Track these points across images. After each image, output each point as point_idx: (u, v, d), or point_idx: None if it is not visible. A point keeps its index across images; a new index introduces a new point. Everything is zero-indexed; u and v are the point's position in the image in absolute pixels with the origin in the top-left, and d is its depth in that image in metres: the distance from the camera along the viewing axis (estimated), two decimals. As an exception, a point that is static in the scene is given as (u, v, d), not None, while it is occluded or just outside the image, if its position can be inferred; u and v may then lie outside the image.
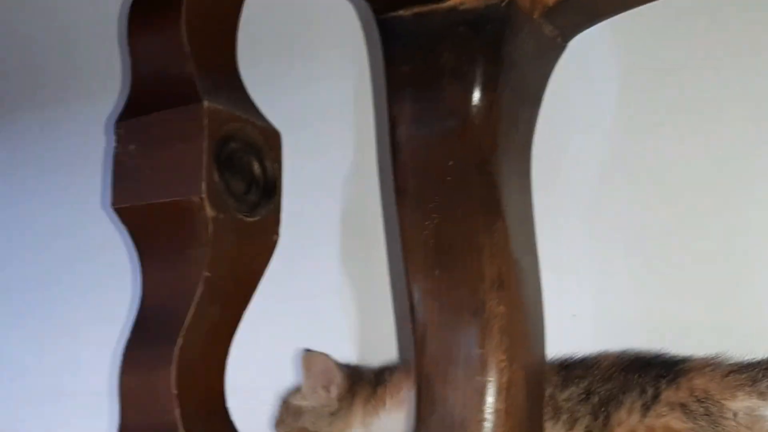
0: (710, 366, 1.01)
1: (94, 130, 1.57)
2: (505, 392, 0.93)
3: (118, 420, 1.20)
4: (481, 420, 0.93)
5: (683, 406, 0.99)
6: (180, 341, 1.20)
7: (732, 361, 1.02)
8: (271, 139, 1.37)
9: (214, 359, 1.26)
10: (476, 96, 1.02)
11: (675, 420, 0.99)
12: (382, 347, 1.31)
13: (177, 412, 1.16)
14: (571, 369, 1.10)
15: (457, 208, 1.00)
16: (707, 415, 0.98)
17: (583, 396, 1.05)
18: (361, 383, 1.24)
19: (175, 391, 1.17)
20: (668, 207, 1.25)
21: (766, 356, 1.00)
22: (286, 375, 1.40)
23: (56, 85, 1.67)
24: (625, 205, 1.27)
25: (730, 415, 0.97)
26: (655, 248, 1.25)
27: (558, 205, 1.25)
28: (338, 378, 1.24)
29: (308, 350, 1.26)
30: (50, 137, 1.67)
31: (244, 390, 1.31)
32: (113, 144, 1.30)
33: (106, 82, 1.56)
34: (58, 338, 1.62)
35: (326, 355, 1.25)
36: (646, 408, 1.01)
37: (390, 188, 1.07)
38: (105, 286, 1.58)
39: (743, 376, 0.99)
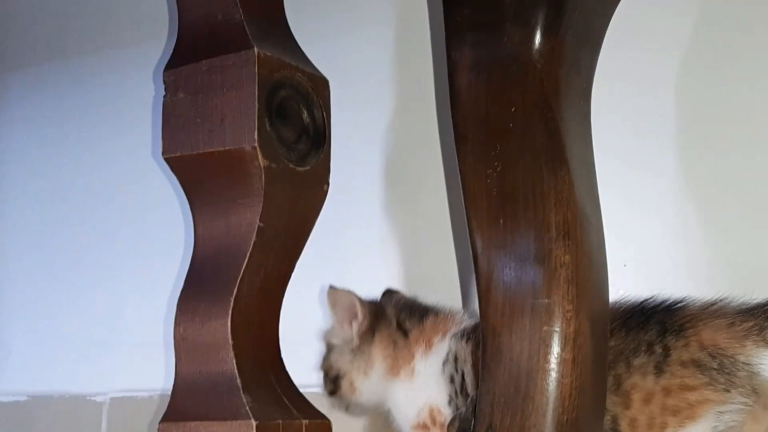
0: (713, 315, 1.00)
1: (143, 79, 1.56)
2: (572, 342, 0.92)
3: (175, 370, 1.20)
4: (549, 370, 0.91)
5: (696, 362, 0.98)
6: (235, 292, 1.19)
7: (733, 307, 1.01)
8: (320, 86, 1.35)
9: (268, 309, 1.26)
10: (538, 40, 1.00)
11: (690, 378, 0.98)
12: (426, 298, 1.29)
13: (233, 361, 1.16)
14: None
15: (520, 156, 0.98)
16: (721, 368, 0.97)
17: None
18: (384, 321, 1.23)
19: (231, 341, 1.17)
20: (720, 151, 1.22)
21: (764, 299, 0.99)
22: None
23: (103, 33, 1.66)
24: (675, 150, 1.24)
25: (742, 366, 0.97)
26: (707, 194, 1.24)
27: (613, 153, 1.23)
28: (360, 313, 1.23)
29: (332, 287, 1.25)
30: (98, 86, 1.66)
31: (292, 339, 1.31)
32: (162, 92, 1.29)
33: (154, 29, 1.54)
34: (111, 291, 1.61)
35: (350, 292, 1.24)
36: (659, 369, 1.00)
37: (450, 136, 1.04)
38: (156, 237, 1.57)
39: (750, 324, 0.98)
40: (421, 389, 1.17)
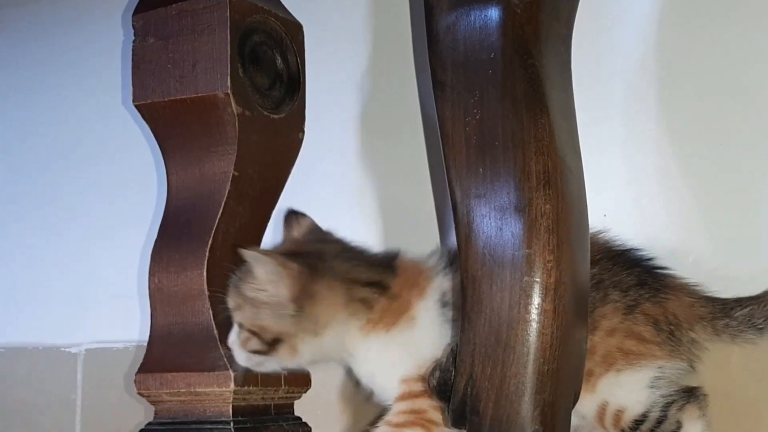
0: (684, 291, 1.09)
1: (111, 23, 1.52)
2: (552, 292, 0.91)
3: (150, 321, 1.19)
4: (529, 320, 0.90)
5: (655, 321, 1.06)
6: (210, 241, 1.18)
7: (704, 294, 1.10)
8: (294, 31, 1.33)
9: (243, 259, 1.24)
10: (518, -17, 0.97)
11: (647, 332, 1.06)
12: (403, 246, 1.27)
13: (209, 312, 1.15)
14: None
15: (499, 103, 0.96)
16: (671, 335, 1.07)
17: None
18: (322, 276, 1.10)
19: (207, 292, 1.16)
20: (706, 107, 1.21)
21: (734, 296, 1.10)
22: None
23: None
24: (660, 103, 1.23)
25: (688, 341, 1.08)
26: (691, 152, 1.23)
27: (592, 102, 1.21)
28: (288, 278, 1.08)
29: (247, 249, 1.09)
30: (62, 32, 1.61)
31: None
32: (131, 37, 1.26)
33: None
34: (84, 241, 1.59)
35: (267, 254, 1.09)
36: (628, 311, 1.06)
37: (427, 83, 1.02)
38: (127, 186, 1.54)
39: (706, 310, 1.08)
40: (423, 341, 1.09)
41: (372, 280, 1.12)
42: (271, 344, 1.09)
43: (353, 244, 1.18)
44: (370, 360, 1.11)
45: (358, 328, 1.10)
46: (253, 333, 1.09)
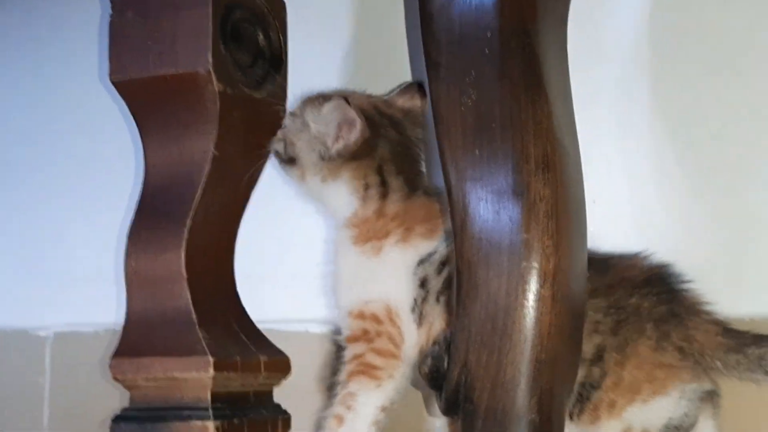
0: (706, 319, 1.08)
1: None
2: (551, 279, 0.88)
3: (126, 304, 1.15)
4: (527, 307, 0.88)
5: (681, 349, 1.05)
6: (189, 223, 1.14)
7: (722, 321, 1.08)
8: (277, 8, 1.30)
9: (223, 241, 1.21)
10: (515, -42, 0.95)
11: (674, 359, 1.04)
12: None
13: (188, 296, 1.12)
14: (602, 275, 1.07)
15: (496, 84, 0.93)
16: (696, 362, 1.05)
17: (611, 310, 1.05)
18: (370, 150, 1.13)
19: (185, 275, 1.13)
20: (702, 91, 1.20)
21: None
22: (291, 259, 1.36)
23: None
24: (654, 87, 1.21)
25: (710, 368, 1.06)
26: (686, 138, 1.21)
27: (586, 85, 1.19)
28: (359, 129, 1.11)
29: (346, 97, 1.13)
30: (41, 3, 1.56)
31: (247, 273, 1.26)
32: (109, 11, 1.22)
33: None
34: (56, 221, 1.54)
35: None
36: (658, 345, 1.04)
37: (421, 62, 1.00)
38: (104, 165, 1.50)
39: (723, 341, 1.06)
40: (381, 277, 1.10)
41: (387, 179, 1.13)
42: (289, 160, 1.15)
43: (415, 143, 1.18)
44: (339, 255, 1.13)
45: (351, 210, 1.13)
46: (282, 142, 1.16)
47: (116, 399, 1.36)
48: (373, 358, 1.08)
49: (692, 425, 1.05)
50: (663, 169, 1.21)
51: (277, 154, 1.18)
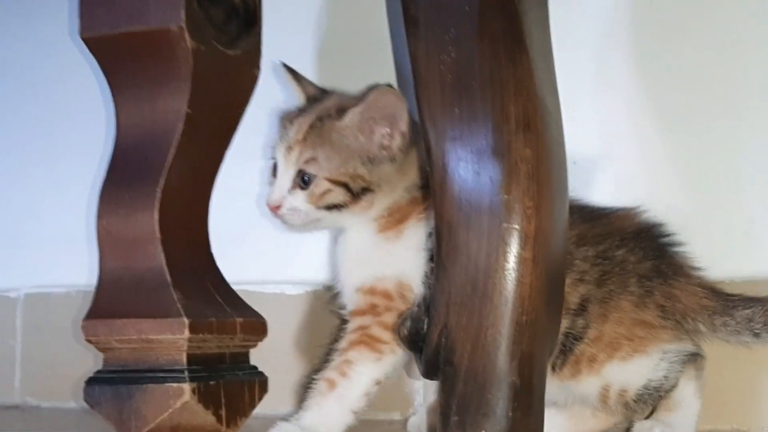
0: (692, 280, 1.07)
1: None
2: (532, 240, 0.87)
3: (98, 265, 1.13)
4: (507, 269, 0.87)
5: (663, 309, 1.05)
6: (162, 182, 1.12)
7: (710, 284, 1.08)
8: (251, -37, 1.26)
9: (197, 201, 1.19)
10: None
11: (655, 319, 1.04)
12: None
13: (162, 256, 1.10)
14: (592, 224, 1.06)
15: (477, 41, 0.92)
16: (677, 323, 1.05)
17: (598, 260, 1.05)
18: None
19: (159, 235, 1.10)
20: (683, 51, 1.19)
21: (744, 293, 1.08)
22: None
23: None
24: (635, 42, 1.20)
25: (692, 330, 1.06)
26: (666, 97, 1.20)
27: (566, 41, 1.18)
28: (405, 125, 1.07)
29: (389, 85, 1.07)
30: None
31: (221, 234, 1.24)
32: (78, -35, 1.19)
33: None
34: (25, 181, 1.52)
35: (399, 96, 1.07)
36: (640, 301, 1.04)
37: (399, 18, 0.97)
38: (74, 124, 1.47)
39: (710, 303, 1.06)
40: (397, 256, 1.07)
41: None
42: (356, 195, 1.07)
43: None
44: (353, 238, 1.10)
45: (393, 203, 1.09)
46: (340, 184, 1.07)
47: (89, 360, 1.35)
48: (379, 332, 1.05)
49: (672, 387, 1.05)
50: (642, 129, 1.20)
51: (334, 206, 1.08)
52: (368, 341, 1.05)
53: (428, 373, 0.92)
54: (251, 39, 1.24)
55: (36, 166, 1.51)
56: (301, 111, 1.13)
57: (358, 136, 1.07)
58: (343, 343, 1.07)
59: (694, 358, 1.07)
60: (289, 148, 1.09)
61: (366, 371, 1.04)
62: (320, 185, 1.07)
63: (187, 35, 1.13)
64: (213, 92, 1.18)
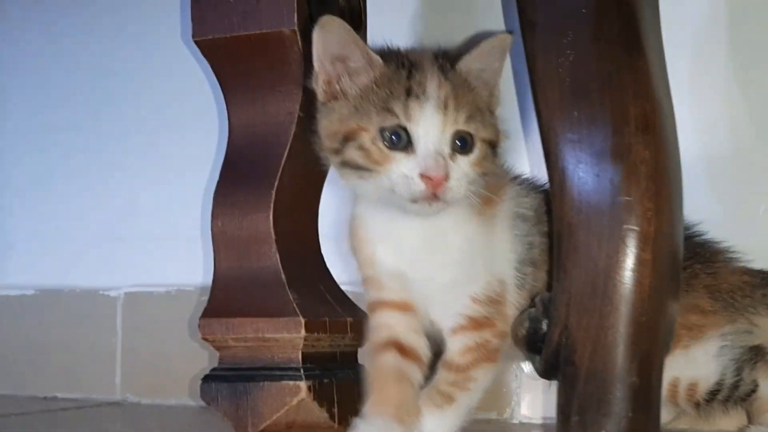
0: (729, 260, 1.08)
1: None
2: (652, 242, 0.88)
3: (213, 265, 1.16)
4: (627, 270, 0.88)
5: (711, 292, 1.04)
6: (276, 183, 1.14)
7: (744, 264, 1.09)
8: (356, -32, 1.28)
9: (308, 203, 1.21)
10: None
11: (706, 303, 1.04)
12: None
13: (277, 256, 1.12)
14: None
15: (594, 43, 0.93)
16: (727, 302, 1.05)
17: None
18: None
19: (273, 235, 1.13)
20: None
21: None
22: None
23: None
24: (732, 43, 1.20)
25: (743, 307, 1.05)
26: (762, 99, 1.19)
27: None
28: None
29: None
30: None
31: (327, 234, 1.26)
32: (190, -29, 1.21)
33: None
34: (130, 182, 1.54)
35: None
36: (688, 286, 1.02)
37: (515, 21, 0.98)
38: (188, 126, 1.49)
39: (749, 278, 1.07)
40: (495, 246, 0.99)
41: None
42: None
43: None
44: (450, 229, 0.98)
45: None
46: (490, 144, 0.95)
47: (188, 358, 1.38)
48: (496, 343, 0.98)
49: (752, 390, 1.02)
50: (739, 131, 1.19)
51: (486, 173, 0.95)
52: (490, 356, 0.98)
53: (547, 374, 0.93)
54: (358, 40, 1.26)
55: (140, 168, 1.54)
56: (411, 62, 0.97)
57: (480, 87, 0.98)
58: (459, 360, 0.98)
59: (764, 353, 1.04)
60: (443, 105, 0.92)
61: (486, 380, 1.00)
62: (480, 148, 0.94)
63: (299, 38, 1.15)
64: (324, 94, 1.19)
